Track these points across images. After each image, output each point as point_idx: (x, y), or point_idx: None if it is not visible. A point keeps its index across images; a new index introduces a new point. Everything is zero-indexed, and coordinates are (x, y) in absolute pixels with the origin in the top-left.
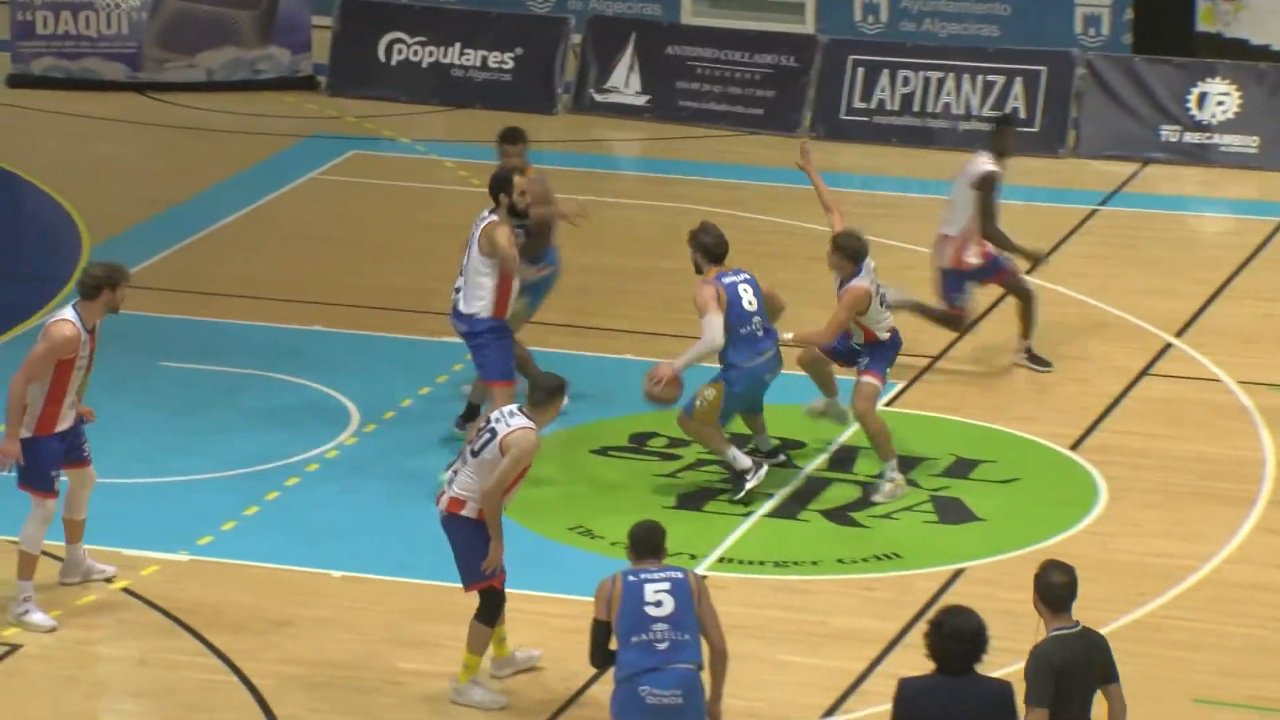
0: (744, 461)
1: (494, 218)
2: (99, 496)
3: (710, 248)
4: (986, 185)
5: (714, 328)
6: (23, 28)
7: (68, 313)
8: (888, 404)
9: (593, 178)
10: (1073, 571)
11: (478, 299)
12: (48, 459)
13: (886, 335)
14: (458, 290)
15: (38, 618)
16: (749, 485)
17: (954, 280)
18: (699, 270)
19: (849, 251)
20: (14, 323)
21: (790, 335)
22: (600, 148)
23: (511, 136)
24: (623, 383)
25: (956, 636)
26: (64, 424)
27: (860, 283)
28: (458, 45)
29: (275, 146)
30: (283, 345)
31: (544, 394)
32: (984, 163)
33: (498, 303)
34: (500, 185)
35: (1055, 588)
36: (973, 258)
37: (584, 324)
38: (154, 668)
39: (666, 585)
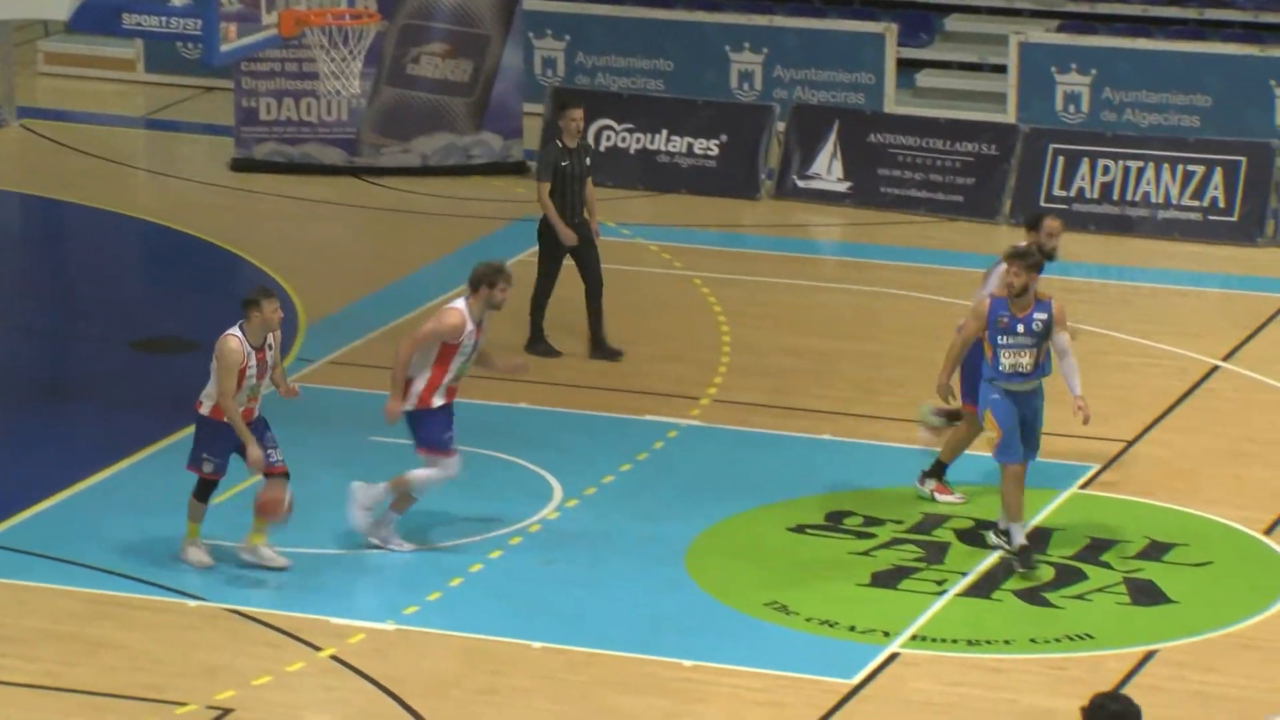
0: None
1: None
2: (308, 565)
3: None
4: None
5: None
6: (247, 114)
7: (459, 303)
8: (1082, 486)
9: (794, 261)
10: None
11: None
12: (437, 427)
13: None
14: None
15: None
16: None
17: None
18: None
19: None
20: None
21: None
22: (802, 232)
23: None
24: (819, 462)
25: None
26: (439, 401)
27: None
28: (664, 132)
29: (485, 229)
30: (489, 421)
31: None
32: None
33: None
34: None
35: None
36: None
37: (784, 404)
38: None
39: None
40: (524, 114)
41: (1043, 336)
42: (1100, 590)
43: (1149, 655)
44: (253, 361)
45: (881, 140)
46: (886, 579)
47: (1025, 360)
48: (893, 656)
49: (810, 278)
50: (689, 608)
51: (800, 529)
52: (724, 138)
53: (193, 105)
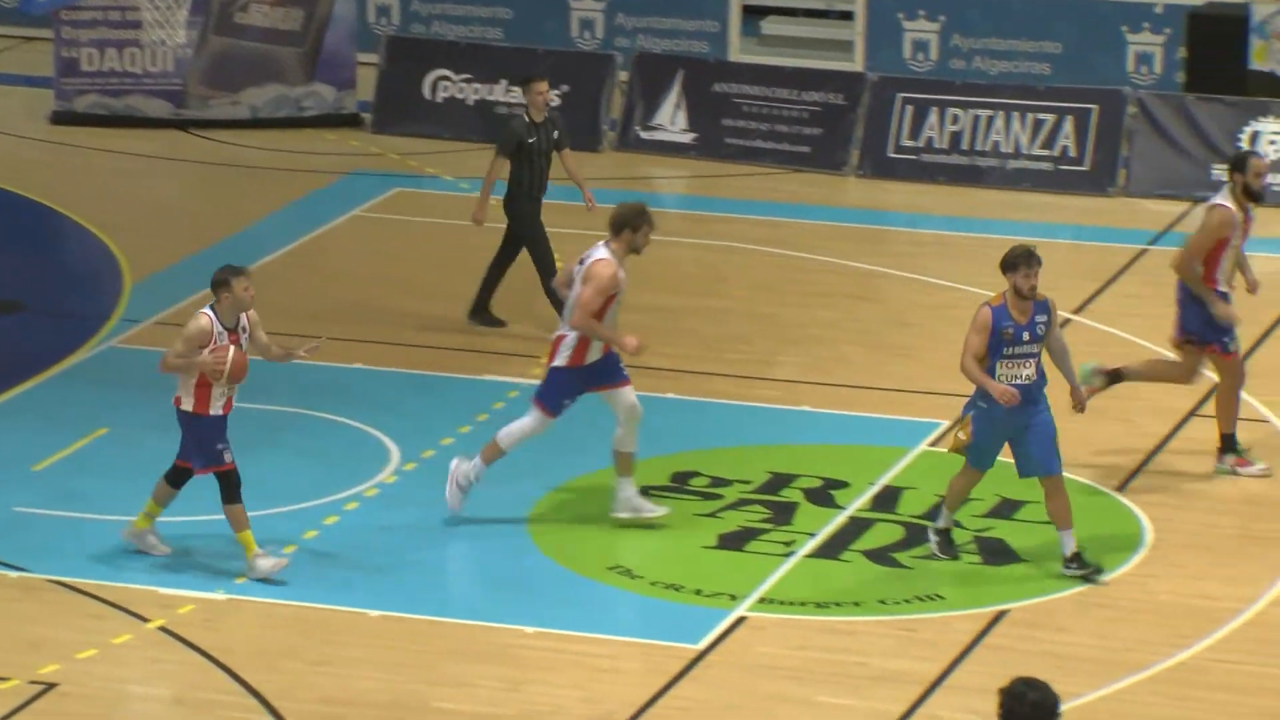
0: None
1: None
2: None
3: None
4: None
5: None
6: (67, 64)
7: (601, 252)
8: (932, 444)
9: None
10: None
11: None
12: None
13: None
14: None
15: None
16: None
17: None
18: None
19: None
20: (55, 360)
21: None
22: (645, 185)
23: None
24: (664, 422)
25: (1040, 711)
26: (593, 357)
27: None
28: (503, 82)
29: (318, 184)
30: (324, 383)
31: None
32: None
33: None
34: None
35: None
36: None
37: (627, 363)
38: (189, 707)
39: None
40: (358, 64)
41: (1043, 340)
42: None
43: (999, 615)
44: (224, 344)
45: (726, 90)
46: (733, 541)
47: (1027, 371)
48: (740, 620)
49: (654, 232)
50: (532, 573)
51: (645, 491)
52: (564, 88)
53: (10, 56)
